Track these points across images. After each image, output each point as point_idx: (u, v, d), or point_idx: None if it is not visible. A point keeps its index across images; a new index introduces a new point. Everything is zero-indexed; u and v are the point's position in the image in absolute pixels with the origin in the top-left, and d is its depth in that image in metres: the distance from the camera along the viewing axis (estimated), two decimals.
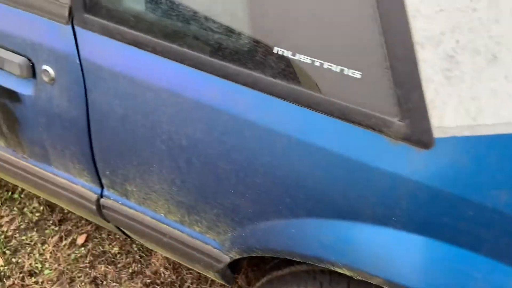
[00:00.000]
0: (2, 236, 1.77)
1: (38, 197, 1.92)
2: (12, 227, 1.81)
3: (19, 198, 1.91)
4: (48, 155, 1.16)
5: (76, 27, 0.95)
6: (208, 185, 0.93)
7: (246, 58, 0.81)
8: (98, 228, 1.84)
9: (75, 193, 1.18)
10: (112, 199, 1.14)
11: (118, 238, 1.80)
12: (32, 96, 1.06)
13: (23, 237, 1.78)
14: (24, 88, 1.06)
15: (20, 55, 1.01)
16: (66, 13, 0.95)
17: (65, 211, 1.89)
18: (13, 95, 1.09)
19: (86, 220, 1.85)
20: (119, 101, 0.95)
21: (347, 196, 0.77)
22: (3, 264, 1.68)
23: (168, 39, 0.87)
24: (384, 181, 0.74)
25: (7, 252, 1.73)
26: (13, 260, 1.71)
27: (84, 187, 1.16)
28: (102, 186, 1.15)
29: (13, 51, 1.02)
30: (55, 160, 1.16)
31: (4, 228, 1.81)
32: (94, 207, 1.16)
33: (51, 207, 1.89)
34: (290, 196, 0.83)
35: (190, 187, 0.96)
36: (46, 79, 1.01)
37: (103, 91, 0.96)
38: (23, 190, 1.94)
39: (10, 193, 1.93)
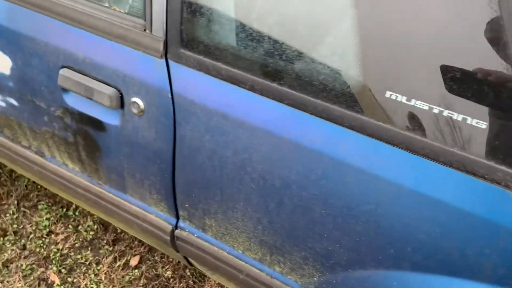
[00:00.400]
0: (58, 254, 1.77)
1: (92, 215, 1.92)
2: (67, 245, 1.82)
3: (74, 216, 1.92)
4: (124, 183, 1.15)
5: (170, 61, 0.94)
6: (299, 228, 0.89)
7: (354, 100, 0.77)
8: (150, 250, 1.82)
9: (149, 222, 1.16)
10: (187, 231, 1.11)
11: (171, 262, 1.78)
12: (117, 126, 1.05)
13: (78, 256, 1.78)
14: (110, 118, 1.05)
15: (110, 86, 1.02)
16: (161, 47, 0.94)
17: (118, 230, 1.89)
18: (97, 124, 1.08)
19: (139, 241, 1.84)
20: (209, 137, 0.93)
21: (464, 252, 0.72)
22: (59, 283, 1.68)
23: (267, 77, 0.84)
24: (510, 240, 0.69)
25: (63, 270, 1.72)
26: (69, 279, 1.70)
27: (159, 217, 1.14)
28: (177, 218, 1.12)
29: (103, 82, 1.02)
30: (132, 189, 1.15)
31: (60, 246, 1.81)
32: (168, 237, 1.14)
33: (105, 226, 1.89)
34: (395, 247, 0.78)
35: (278, 228, 0.92)
36: (135, 110, 1.00)
37: (193, 125, 0.94)
38: (77, 207, 1.95)
39: (64, 210, 1.94)
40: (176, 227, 1.13)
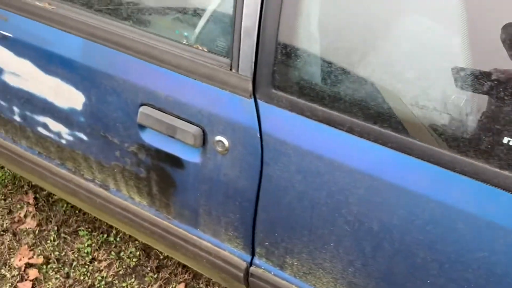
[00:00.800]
0: (103, 282, 1.71)
1: (133, 241, 1.87)
2: (111, 272, 1.76)
3: (115, 242, 1.87)
4: (197, 219, 1.11)
5: (259, 101, 0.92)
6: (398, 273, 0.85)
7: (467, 145, 0.75)
8: (195, 276, 1.77)
9: (221, 258, 1.12)
10: (263, 269, 1.07)
11: None
12: (198, 163, 1.01)
13: (123, 284, 1.72)
14: (190, 156, 1.01)
15: (193, 124, 0.98)
16: (250, 87, 0.91)
17: (161, 257, 1.83)
18: (175, 161, 1.04)
19: (183, 267, 1.79)
20: (301, 177, 0.89)
21: None
22: None
23: (368, 119, 0.82)
24: None
25: None
26: None
27: (233, 253, 1.10)
28: (253, 255, 1.08)
29: (186, 120, 0.99)
30: (204, 225, 1.11)
31: (104, 273, 1.75)
32: (241, 274, 1.09)
33: (147, 252, 1.84)
34: None
35: (373, 271, 0.88)
36: (219, 149, 0.97)
37: (283, 165, 0.90)
38: (117, 233, 1.90)
39: (105, 236, 1.89)
40: (251, 264, 1.09)
